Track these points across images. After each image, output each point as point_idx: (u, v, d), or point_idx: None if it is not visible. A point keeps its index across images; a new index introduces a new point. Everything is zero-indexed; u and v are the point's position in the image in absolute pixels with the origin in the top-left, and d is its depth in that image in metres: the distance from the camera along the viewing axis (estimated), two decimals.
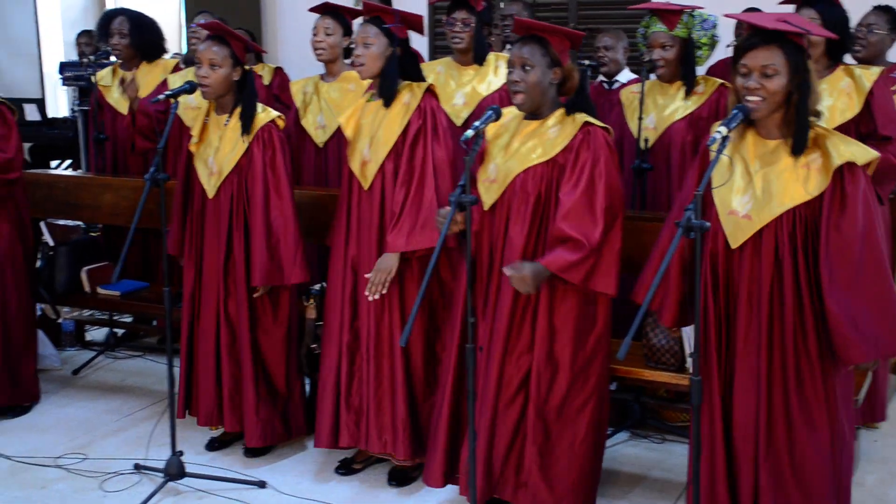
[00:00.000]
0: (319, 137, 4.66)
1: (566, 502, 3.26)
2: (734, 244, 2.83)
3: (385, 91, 3.61)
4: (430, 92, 3.64)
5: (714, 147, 2.63)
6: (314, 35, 4.51)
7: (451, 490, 3.57)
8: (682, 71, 4.05)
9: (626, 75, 5.03)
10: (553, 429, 3.24)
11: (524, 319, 3.22)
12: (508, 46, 4.45)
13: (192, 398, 4.01)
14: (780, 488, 2.81)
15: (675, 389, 3.82)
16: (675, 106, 4.09)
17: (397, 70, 3.60)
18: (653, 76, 4.11)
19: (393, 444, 3.67)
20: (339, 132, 4.56)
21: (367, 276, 3.60)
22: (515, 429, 3.26)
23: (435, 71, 4.56)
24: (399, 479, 3.77)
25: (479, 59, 4.50)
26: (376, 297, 3.58)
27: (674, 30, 3.98)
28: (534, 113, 3.26)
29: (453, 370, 3.38)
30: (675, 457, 3.98)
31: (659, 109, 4.11)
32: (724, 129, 2.63)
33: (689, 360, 3.44)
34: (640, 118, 4.07)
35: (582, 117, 3.21)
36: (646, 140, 4.08)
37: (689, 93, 4.06)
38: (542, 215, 3.20)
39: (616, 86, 4.94)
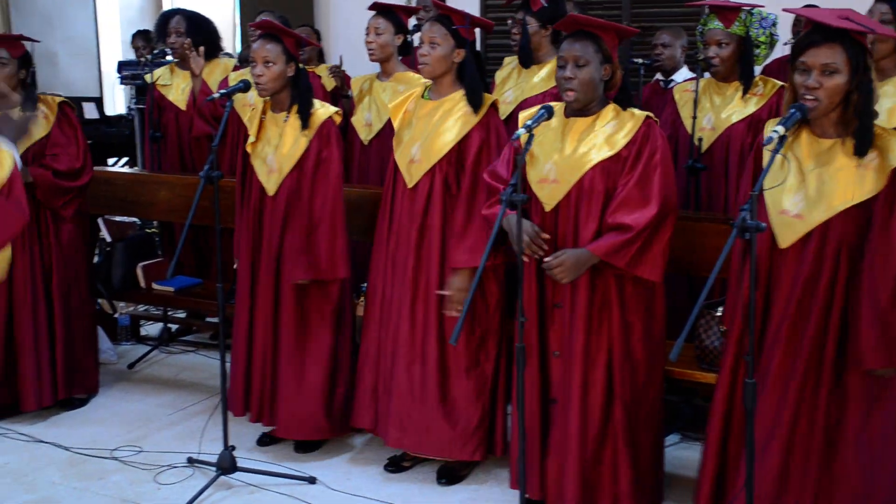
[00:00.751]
0: (364, 135, 4.70)
1: (646, 502, 3.29)
2: (784, 244, 2.80)
3: (474, 95, 3.57)
4: (494, 107, 3.65)
5: (771, 147, 2.59)
6: (366, 34, 4.54)
7: (503, 490, 3.57)
8: (740, 70, 4.00)
9: (683, 74, 4.97)
10: (639, 428, 3.25)
11: (601, 319, 3.20)
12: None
13: (247, 394, 4.03)
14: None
15: None
16: (733, 106, 4.02)
17: (476, 75, 3.60)
18: (706, 74, 4.06)
19: (415, 441, 3.69)
20: (384, 131, 4.61)
21: (440, 293, 3.59)
22: (604, 432, 3.24)
23: (510, 67, 4.58)
24: (448, 476, 3.78)
25: (525, 61, 4.49)
26: (454, 314, 3.56)
27: (731, 27, 3.92)
28: (580, 110, 3.23)
29: (538, 378, 3.33)
30: None
31: (716, 109, 4.06)
32: (780, 129, 2.59)
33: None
34: (695, 117, 4.02)
35: (641, 112, 3.20)
36: (699, 139, 4.03)
37: (746, 93, 4.01)
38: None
39: (672, 84, 4.89)
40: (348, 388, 4.01)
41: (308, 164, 3.80)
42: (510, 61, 4.67)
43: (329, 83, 5.09)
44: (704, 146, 4.03)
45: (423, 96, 3.74)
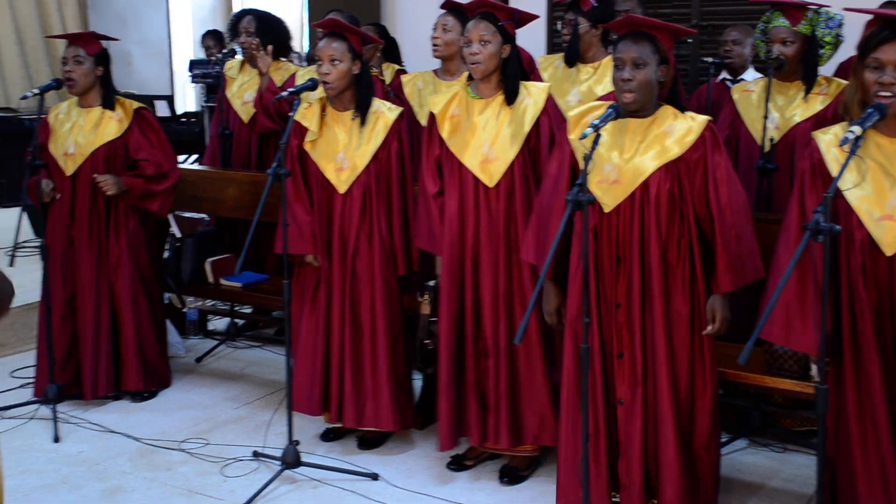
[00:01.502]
0: None
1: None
2: (891, 251, 2.72)
3: (510, 90, 3.58)
4: (550, 96, 3.64)
5: (847, 147, 2.52)
6: (433, 30, 4.54)
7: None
8: (802, 70, 3.91)
9: (751, 74, 4.88)
10: (698, 432, 3.21)
11: (661, 322, 3.18)
12: (609, 49, 4.37)
13: (325, 395, 4.02)
14: None
15: (796, 397, 3.70)
16: (797, 106, 3.95)
17: (518, 69, 3.59)
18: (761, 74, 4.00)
19: (496, 439, 3.68)
20: None
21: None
22: (663, 436, 3.20)
23: (553, 65, 4.54)
24: (510, 476, 3.77)
25: (572, 61, 4.45)
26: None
27: (797, 26, 3.83)
28: (635, 111, 3.19)
29: (600, 376, 3.29)
30: (796, 466, 3.85)
31: (780, 109, 3.98)
32: (857, 129, 2.53)
33: (814, 368, 3.31)
34: (766, 116, 3.94)
35: (702, 116, 3.16)
36: (771, 139, 3.95)
37: (808, 92, 3.92)
38: (675, 214, 3.14)
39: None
40: (411, 384, 4.05)
41: (392, 161, 3.85)
42: (551, 59, 4.60)
43: (387, 78, 5.11)
44: (773, 145, 3.95)
45: (470, 96, 3.70)
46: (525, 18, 3.73)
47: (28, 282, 5.70)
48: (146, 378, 4.60)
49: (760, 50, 4.06)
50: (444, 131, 3.70)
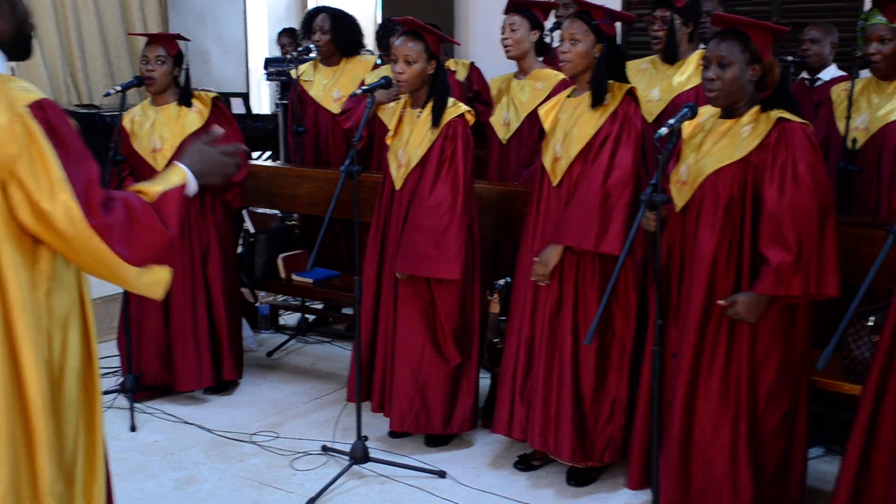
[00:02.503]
0: (502, 134, 4.69)
1: None
2: None
3: (596, 92, 3.55)
4: (631, 95, 3.57)
5: None
6: (502, 32, 4.54)
7: (632, 493, 3.52)
8: None
9: (831, 72, 4.76)
10: (768, 442, 3.13)
11: (720, 326, 3.10)
12: (702, 46, 4.31)
13: (368, 384, 4.08)
14: None
15: None
16: (892, 105, 3.83)
17: (605, 70, 3.55)
18: (863, 73, 3.87)
19: (555, 443, 3.64)
20: (521, 130, 4.60)
21: (535, 259, 3.60)
22: (719, 442, 3.13)
23: (639, 69, 4.50)
24: (578, 478, 3.74)
25: (671, 58, 4.39)
26: (542, 284, 3.58)
27: (895, 22, 3.72)
28: (729, 111, 3.13)
29: (648, 374, 3.28)
30: None
31: (872, 109, 3.87)
32: None
33: None
34: (849, 117, 3.84)
35: (777, 113, 3.05)
36: (853, 140, 3.85)
37: None
38: (734, 219, 3.07)
39: (818, 83, 4.69)
40: (475, 385, 4.01)
41: (431, 161, 3.83)
42: (636, 64, 4.55)
43: (461, 74, 5.12)
44: (857, 147, 3.85)
45: (569, 96, 3.71)
46: (620, 18, 3.69)
47: None
48: (227, 369, 4.63)
49: (860, 48, 3.95)
50: (547, 129, 3.73)
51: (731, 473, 3.12)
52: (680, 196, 3.18)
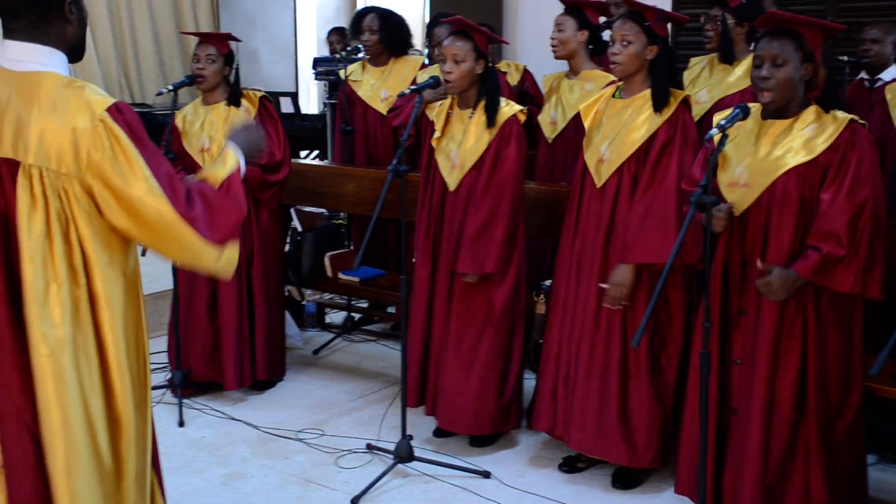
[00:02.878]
0: (549, 133, 4.68)
1: None
2: None
3: (659, 98, 3.50)
4: (685, 103, 3.54)
5: None
6: (552, 32, 4.52)
7: (680, 499, 3.48)
8: None
9: (892, 72, 4.65)
10: (834, 448, 3.07)
11: (793, 329, 3.04)
12: (752, 46, 4.26)
13: (422, 387, 4.09)
14: None
15: None
16: None
17: (666, 73, 3.51)
18: None
19: (600, 445, 3.62)
20: (568, 130, 4.57)
21: (603, 286, 3.55)
22: (793, 447, 3.08)
23: (700, 66, 4.47)
24: (623, 481, 3.72)
25: (728, 58, 4.34)
26: (616, 308, 3.53)
27: None
28: (778, 111, 3.07)
29: (716, 382, 3.21)
30: None
31: None
32: None
33: None
34: None
35: (845, 115, 2.99)
36: None
37: None
38: (805, 221, 3.01)
39: (879, 84, 4.60)
40: (518, 385, 4.00)
41: (487, 161, 3.81)
42: (697, 61, 4.54)
43: (514, 78, 5.10)
44: None
45: (613, 95, 3.68)
46: (673, 19, 3.65)
47: (158, 271, 5.91)
48: (270, 368, 4.69)
49: None
50: (587, 125, 3.71)
51: (804, 479, 3.07)
52: (741, 199, 3.10)
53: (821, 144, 2.98)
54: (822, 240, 2.92)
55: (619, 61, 3.52)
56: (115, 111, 2.13)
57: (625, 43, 3.50)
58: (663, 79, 3.52)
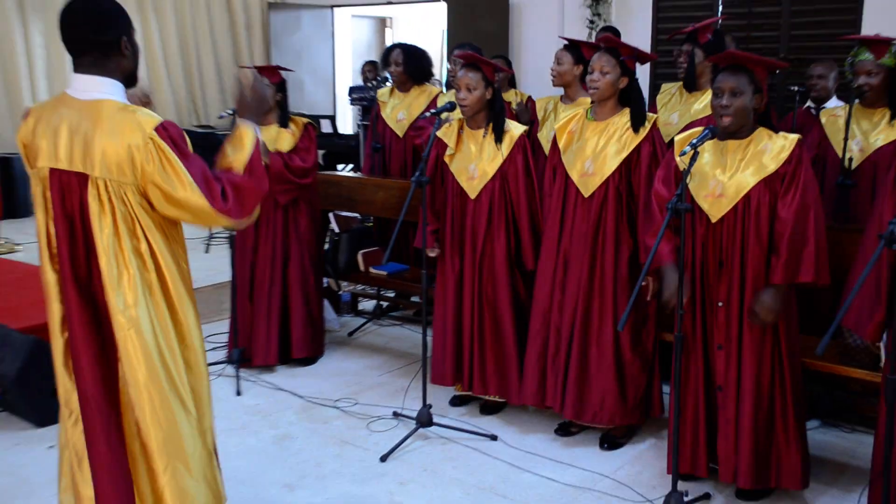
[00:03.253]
0: (548, 149, 4.67)
1: (807, 477, 3.22)
2: None
3: (638, 119, 3.55)
4: (655, 124, 3.59)
5: None
6: (553, 64, 4.53)
7: (657, 455, 3.50)
8: (887, 98, 3.73)
9: (833, 102, 4.65)
10: (793, 417, 3.13)
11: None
12: None
13: (457, 369, 4.06)
14: None
15: (873, 387, 3.52)
16: (880, 131, 3.77)
17: (642, 99, 3.57)
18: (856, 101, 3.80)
19: (591, 413, 3.66)
20: None
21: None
22: (773, 416, 3.14)
23: (670, 93, 4.47)
24: (610, 442, 3.74)
25: (690, 87, 4.34)
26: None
27: (881, 59, 3.66)
28: (733, 133, 3.10)
29: (702, 365, 3.24)
30: (865, 447, 3.66)
31: (864, 134, 3.80)
32: None
33: (883, 358, 3.15)
34: (846, 139, 3.77)
35: (793, 135, 3.06)
36: (850, 159, 3.78)
37: (893, 118, 3.73)
38: (770, 224, 3.05)
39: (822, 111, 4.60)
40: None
41: (518, 172, 3.83)
42: (669, 87, 4.53)
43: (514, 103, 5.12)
44: (853, 166, 3.78)
45: (588, 118, 3.69)
46: (645, 57, 3.68)
47: (219, 265, 5.98)
48: (308, 348, 4.72)
49: (847, 77, 3.88)
50: (561, 143, 3.72)
51: (785, 443, 3.15)
52: (716, 208, 3.12)
53: (780, 158, 3.02)
54: (783, 245, 2.97)
55: (598, 87, 3.55)
56: (162, 129, 2.19)
57: (602, 72, 3.53)
58: (641, 104, 3.56)
